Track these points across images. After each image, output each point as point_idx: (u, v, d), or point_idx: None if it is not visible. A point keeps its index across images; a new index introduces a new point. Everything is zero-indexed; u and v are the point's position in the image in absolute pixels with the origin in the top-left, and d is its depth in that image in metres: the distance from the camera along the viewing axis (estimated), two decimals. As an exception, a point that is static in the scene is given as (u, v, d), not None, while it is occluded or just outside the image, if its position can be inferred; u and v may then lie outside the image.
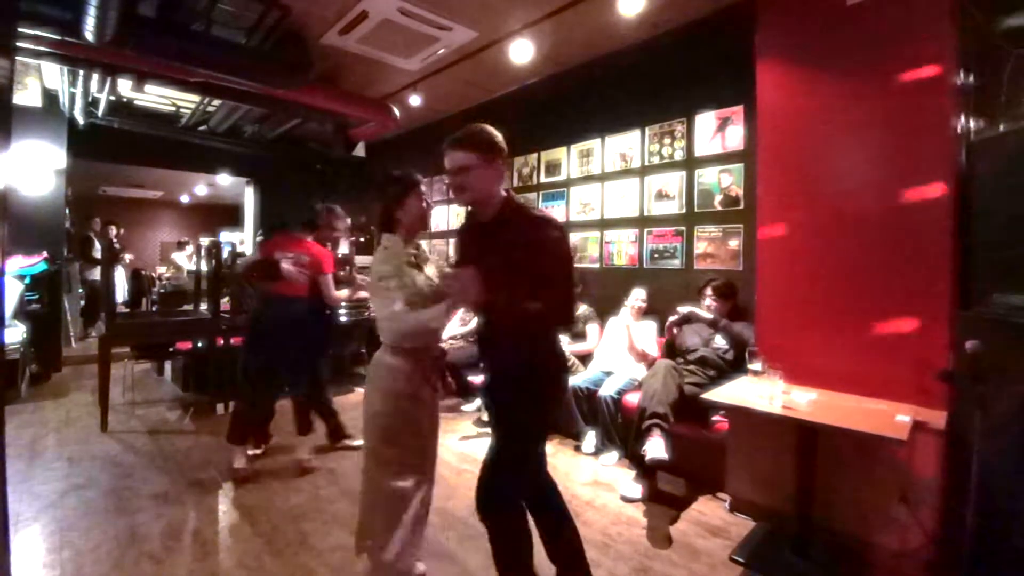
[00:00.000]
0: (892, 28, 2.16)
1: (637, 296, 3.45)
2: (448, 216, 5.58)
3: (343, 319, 4.70)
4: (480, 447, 3.19)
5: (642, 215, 3.75)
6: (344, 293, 3.09)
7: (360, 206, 7.08)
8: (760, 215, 2.59)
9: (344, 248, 6.38)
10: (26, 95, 4.76)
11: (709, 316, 2.95)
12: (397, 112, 4.96)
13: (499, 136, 1.60)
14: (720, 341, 2.89)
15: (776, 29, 2.53)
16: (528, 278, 1.46)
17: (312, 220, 3.07)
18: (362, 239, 6.54)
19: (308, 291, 2.88)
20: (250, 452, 3.04)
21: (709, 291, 3.00)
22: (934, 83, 2.05)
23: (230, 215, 11.04)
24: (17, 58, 3.38)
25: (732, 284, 3.03)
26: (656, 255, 3.65)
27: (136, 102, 5.17)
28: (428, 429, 1.82)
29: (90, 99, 4.60)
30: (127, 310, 6.51)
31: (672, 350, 3.07)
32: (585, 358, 3.64)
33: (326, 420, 3.25)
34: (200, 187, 9.81)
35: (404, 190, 1.81)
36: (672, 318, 3.05)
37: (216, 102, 4.86)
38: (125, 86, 4.42)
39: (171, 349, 4.37)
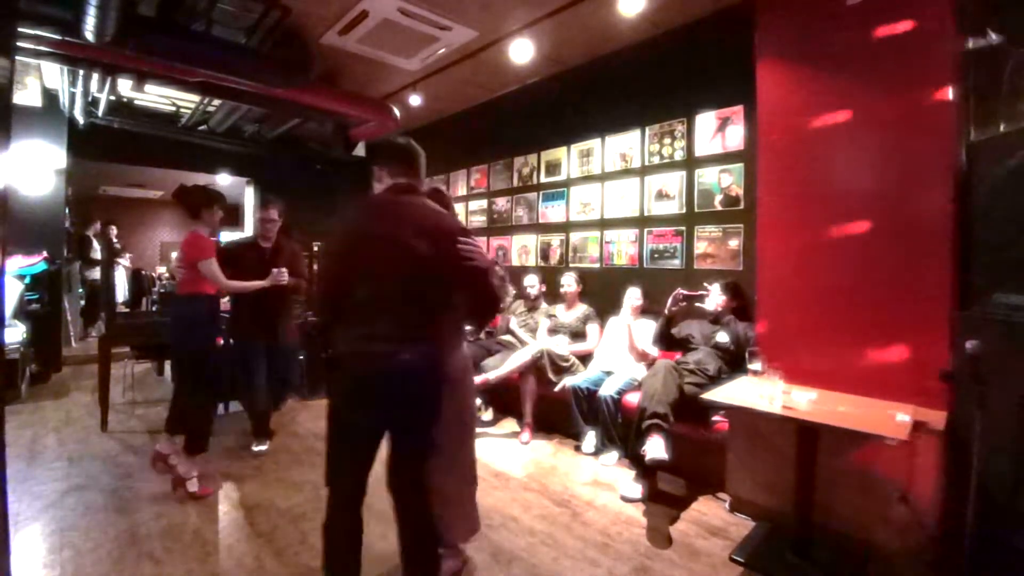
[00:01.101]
0: (892, 28, 2.16)
1: (633, 295, 3.44)
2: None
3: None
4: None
5: (642, 215, 3.74)
6: (238, 284, 2.88)
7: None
8: (760, 215, 2.59)
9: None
10: (26, 95, 4.76)
11: (713, 309, 2.96)
12: (397, 112, 4.96)
13: (382, 145, 1.73)
14: (723, 337, 2.88)
15: (776, 29, 2.53)
16: None
17: (191, 205, 2.76)
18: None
19: (211, 288, 2.74)
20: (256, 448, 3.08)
21: (717, 286, 2.99)
22: (934, 83, 2.05)
23: (230, 215, 10.92)
24: (17, 58, 3.38)
25: (739, 285, 3.03)
26: (656, 255, 3.65)
27: (136, 102, 5.16)
28: None
29: (90, 99, 4.60)
30: (127, 310, 6.51)
31: (668, 328, 3.04)
32: (585, 358, 3.64)
33: (191, 427, 2.72)
34: (200, 187, 9.81)
35: None
36: (680, 291, 2.94)
37: (216, 102, 4.85)
38: (125, 86, 4.42)
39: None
